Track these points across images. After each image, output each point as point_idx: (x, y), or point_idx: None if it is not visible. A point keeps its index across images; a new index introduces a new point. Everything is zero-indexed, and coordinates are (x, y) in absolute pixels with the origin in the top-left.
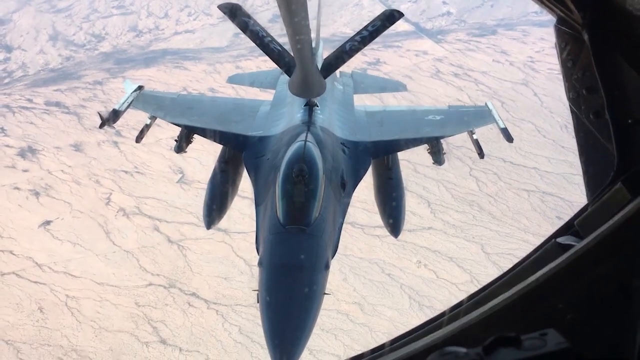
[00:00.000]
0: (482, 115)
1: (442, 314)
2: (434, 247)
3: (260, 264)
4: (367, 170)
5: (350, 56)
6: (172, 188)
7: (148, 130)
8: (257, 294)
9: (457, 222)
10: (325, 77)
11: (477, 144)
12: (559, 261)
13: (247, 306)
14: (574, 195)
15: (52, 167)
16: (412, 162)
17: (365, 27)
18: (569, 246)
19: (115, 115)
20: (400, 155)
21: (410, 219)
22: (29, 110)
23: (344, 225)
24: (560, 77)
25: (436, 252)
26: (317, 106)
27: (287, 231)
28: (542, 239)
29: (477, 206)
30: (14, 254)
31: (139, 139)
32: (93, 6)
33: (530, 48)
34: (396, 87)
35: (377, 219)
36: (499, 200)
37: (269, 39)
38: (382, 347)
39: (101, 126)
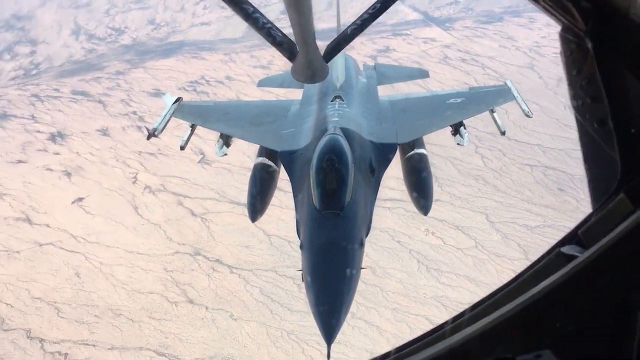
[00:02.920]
0: (502, 94)
1: (445, 324)
2: (441, 217)
3: (301, 247)
4: (394, 155)
5: (351, 39)
6: (194, 168)
7: (190, 137)
8: (302, 274)
9: (463, 195)
10: (327, 62)
11: (497, 122)
12: (562, 273)
13: (266, 270)
14: (575, 169)
15: (81, 150)
16: None
17: (367, 10)
18: (573, 256)
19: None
20: None
21: None
22: (57, 99)
23: None
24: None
25: (443, 221)
26: (344, 100)
27: (323, 216)
28: (543, 209)
29: (483, 180)
30: (50, 227)
31: (182, 148)
32: (112, 2)
33: (536, 34)
34: (419, 74)
35: (387, 192)
36: (503, 174)
37: (270, 25)
38: (387, 354)
39: (148, 138)
